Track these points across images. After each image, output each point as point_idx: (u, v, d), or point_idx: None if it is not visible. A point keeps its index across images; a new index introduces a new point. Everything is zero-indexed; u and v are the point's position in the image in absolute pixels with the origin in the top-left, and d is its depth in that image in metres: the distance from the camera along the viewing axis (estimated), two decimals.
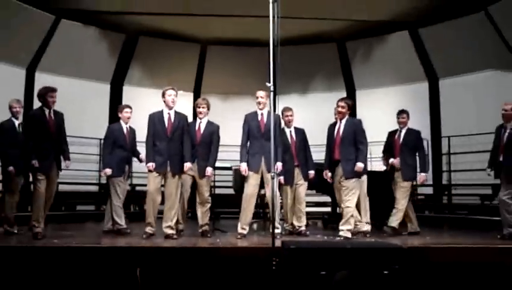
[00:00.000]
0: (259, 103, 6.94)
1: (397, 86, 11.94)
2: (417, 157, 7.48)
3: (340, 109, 6.94)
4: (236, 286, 5.14)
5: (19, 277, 5.08)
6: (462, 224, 7.04)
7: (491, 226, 7.90)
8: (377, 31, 11.82)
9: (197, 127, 7.18)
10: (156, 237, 6.61)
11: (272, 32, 5.02)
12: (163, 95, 6.78)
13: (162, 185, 6.70)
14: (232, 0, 9.81)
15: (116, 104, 11.84)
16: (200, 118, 7.22)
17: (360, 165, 6.72)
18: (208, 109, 7.25)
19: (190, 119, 7.35)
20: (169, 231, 6.58)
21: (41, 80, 10.91)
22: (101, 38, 11.65)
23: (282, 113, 7.51)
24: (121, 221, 7.27)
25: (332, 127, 7.07)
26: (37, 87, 10.69)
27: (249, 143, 7.00)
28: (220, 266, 5.33)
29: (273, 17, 5.01)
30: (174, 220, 6.66)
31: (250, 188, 6.80)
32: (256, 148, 6.83)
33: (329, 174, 6.96)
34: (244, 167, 6.83)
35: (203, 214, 7.05)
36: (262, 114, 6.92)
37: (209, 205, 7.08)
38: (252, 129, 6.91)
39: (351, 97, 12.31)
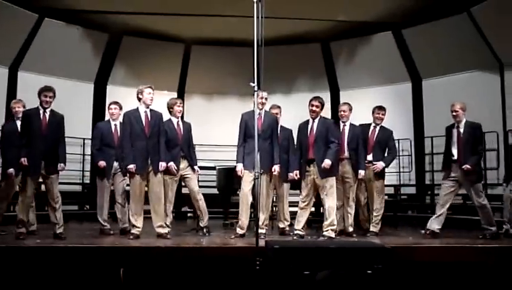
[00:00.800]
0: (261, 104, 6.88)
1: (381, 87, 11.98)
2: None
3: (314, 108, 6.92)
4: (221, 286, 5.13)
5: (2, 277, 5.04)
6: (445, 224, 7.07)
7: (474, 225, 7.96)
8: (360, 31, 11.84)
9: (176, 126, 7.24)
10: (141, 237, 6.62)
11: (255, 32, 5.03)
12: (141, 93, 6.66)
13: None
14: (216, 0, 9.80)
15: (99, 103, 11.89)
16: (178, 117, 7.28)
17: (327, 161, 6.69)
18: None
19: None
20: (162, 230, 6.59)
21: (24, 79, 10.88)
22: (85, 37, 11.56)
23: (269, 110, 7.53)
24: (102, 220, 7.26)
25: (304, 125, 7.04)
26: (20, 86, 10.79)
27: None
28: (204, 266, 5.33)
29: (257, 17, 5.02)
30: (164, 219, 6.69)
31: (246, 186, 6.80)
32: (252, 147, 6.66)
33: (296, 171, 6.98)
34: (240, 167, 6.82)
35: (201, 209, 7.21)
36: (260, 114, 6.87)
37: (202, 198, 7.22)
38: (249, 128, 6.80)
39: (334, 97, 12.51)
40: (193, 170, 7.27)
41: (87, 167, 10.94)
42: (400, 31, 11.45)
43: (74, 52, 11.39)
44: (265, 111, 6.99)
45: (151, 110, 6.75)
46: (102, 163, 7.22)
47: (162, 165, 6.68)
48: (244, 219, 6.83)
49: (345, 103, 7.82)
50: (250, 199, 6.88)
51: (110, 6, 10.57)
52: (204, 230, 7.25)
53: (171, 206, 7.25)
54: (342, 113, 7.58)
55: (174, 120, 7.29)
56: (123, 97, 11.15)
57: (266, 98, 6.94)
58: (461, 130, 7.00)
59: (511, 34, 9.69)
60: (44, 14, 10.69)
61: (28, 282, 5.06)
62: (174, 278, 5.17)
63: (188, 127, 7.42)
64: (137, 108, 6.70)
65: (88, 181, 11.24)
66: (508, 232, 7.07)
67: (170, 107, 7.36)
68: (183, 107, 7.41)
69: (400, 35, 11.52)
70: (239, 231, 6.79)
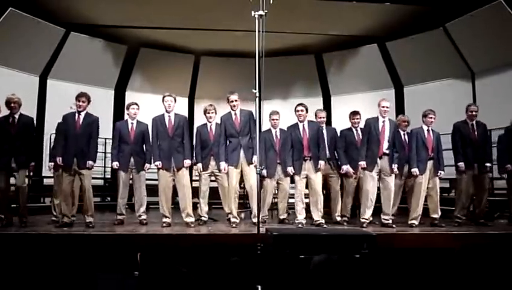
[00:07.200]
0: (234, 106, 6.85)
1: (367, 93, 11.96)
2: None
3: (300, 113, 6.99)
4: (226, 267, 5.14)
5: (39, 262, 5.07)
6: (424, 213, 7.10)
7: (447, 215, 7.92)
8: (350, 44, 11.86)
9: (209, 129, 7.23)
10: (155, 225, 6.64)
11: (257, 45, 5.02)
12: (162, 100, 6.82)
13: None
14: (222, 16, 9.80)
15: (119, 107, 11.91)
16: (210, 122, 7.25)
17: (322, 163, 6.84)
18: (216, 114, 7.29)
19: None
20: (188, 220, 6.61)
21: (53, 86, 10.93)
22: (106, 49, 11.59)
23: (270, 116, 7.52)
24: (121, 214, 7.12)
25: (294, 128, 7.04)
26: (49, 92, 10.83)
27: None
28: (213, 250, 5.34)
29: (259, 31, 5.02)
30: (190, 209, 6.65)
31: (234, 181, 6.73)
32: (234, 145, 6.75)
33: (290, 168, 6.93)
34: (223, 165, 6.76)
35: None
36: (236, 114, 6.86)
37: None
38: (229, 128, 6.82)
39: (326, 102, 12.49)
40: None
41: (108, 163, 10.92)
42: (384, 43, 11.48)
43: (97, 62, 11.43)
44: (240, 110, 6.87)
45: (175, 114, 6.84)
46: (114, 164, 7.18)
47: (186, 162, 6.71)
48: (234, 209, 6.75)
49: (321, 110, 7.85)
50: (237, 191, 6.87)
51: (129, 22, 10.59)
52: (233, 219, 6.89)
53: (205, 199, 7.23)
54: (322, 119, 7.59)
55: (208, 124, 7.31)
56: (140, 102, 11.18)
57: (236, 100, 6.86)
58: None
59: (481, 46, 9.76)
60: (70, 29, 10.72)
61: (57, 264, 5.08)
62: (187, 260, 5.17)
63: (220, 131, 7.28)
64: (163, 113, 6.81)
65: (109, 176, 11.24)
66: None
67: (204, 113, 7.43)
68: (213, 112, 7.32)
69: (384, 48, 11.55)
70: (234, 220, 6.71)
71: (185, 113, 10.77)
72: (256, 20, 5.02)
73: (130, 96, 12.12)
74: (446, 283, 4.96)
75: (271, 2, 4.98)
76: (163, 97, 6.85)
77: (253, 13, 4.98)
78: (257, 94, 5.23)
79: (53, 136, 7.78)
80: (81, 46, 11.00)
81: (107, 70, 11.81)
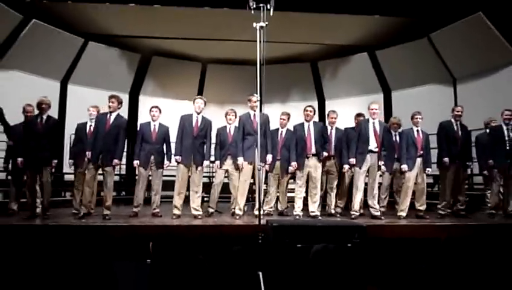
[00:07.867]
0: (255, 106, 6.81)
1: (358, 97, 11.97)
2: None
3: (308, 113, 7.01)
4: (230, 255, 5.16)
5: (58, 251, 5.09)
6: (410, 206, 7.11)
7: (431, 209, 7.92)
8: (342, 53, 11.89)
9: (228, 131, 7.29)
10: (166, 217, 6.66)
11: (258, 54, 5.05)
12: (193, 102, 6.87)
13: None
14: (226, 28, 9.82)
15: (133, 110, 11.93)
16: (230, 124, 7.32)
17: (326, 154, 6.92)
18: (236, 117, 7.30)
19: None
20: (196, 212, 6.62)
21: (73, 90, 10.96)
22: (121, 57, 11.63)
23: (280, 116, 7.58)
24: (136, 206, 7.09)
25: (300, 127, 7.03)
26: (69, 96, 10.85)
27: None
28: (218, 239, 5.36)
29: (260, 41, 5.04)
30: (199, 203, 6.67)
31: (248, 176, 6.75)
32: (250, 142, 6.74)
33: (294, 163, 6.90)
34: (241, 161, 6.75)
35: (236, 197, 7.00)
36: (254, 114, 6.85)
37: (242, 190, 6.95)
38: (247, 127, 6.83)
39: (321, 106, 12.50)
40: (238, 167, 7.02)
41: (123, 160, 10.96)
42: (374, 52, 11.51)
43: (113, 69, 11.47)
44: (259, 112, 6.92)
45: (203, 116, 6.85)
46: (135, 162, 7.19)
47: (205, 163, 6.76)
48: (242, 203, 6.76)
49: (334, 111, 7.80)
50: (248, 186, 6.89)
51: (142, 32, 10.62)
52: (237, 211, 6.83)
53: (216, 193, 7.22)
54: (333, 119, 7.60)
55: (227, 126, 7.37)
56: (152, 105, 11.23)
57: (258, 101, 6.84)
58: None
59: (462, 54, 9.79)
60: (89, 38, 10.77)
61: (77, 253, 5.10)
62: (194, 248, 5.19)
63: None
64: (192, 113, 6.83)
65: (124, 172, 11.26)
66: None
67: (225, 116, 7.45)
68: (235, 116, 7.34)
69: (374, 56, 11.57)
70: (238, 212, 6.72)
71: None
72: (258, 31, 5.05)
73: (143, 100, 12.18)
74: (432, 270, 4.97)
75: (271, 14, 5.00)
76: (194, 99, 6.89)
77: (254, 25, 5.01)
78: (258, 98, 5.27)
79: (73, 137, 7.78)
80: (99, 54, 11.05)
81: (122, 76, 11.84)
